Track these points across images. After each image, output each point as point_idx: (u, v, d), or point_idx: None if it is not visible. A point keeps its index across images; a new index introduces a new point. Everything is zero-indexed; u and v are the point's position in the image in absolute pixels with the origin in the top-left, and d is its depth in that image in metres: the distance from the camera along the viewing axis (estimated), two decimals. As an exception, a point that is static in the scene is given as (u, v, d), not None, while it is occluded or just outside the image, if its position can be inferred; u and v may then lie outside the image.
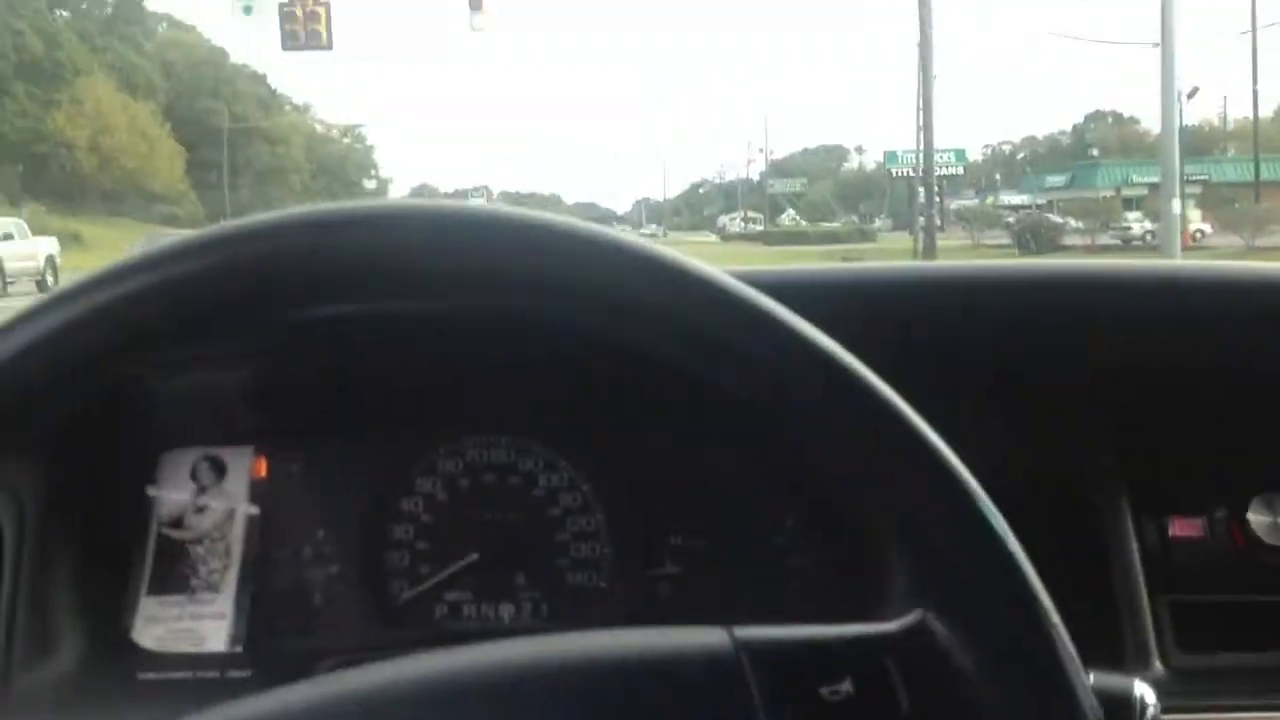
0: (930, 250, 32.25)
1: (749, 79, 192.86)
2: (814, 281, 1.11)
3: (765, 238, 62.94)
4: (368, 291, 0.52)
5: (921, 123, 46.09)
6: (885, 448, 0.50)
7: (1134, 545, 1.03)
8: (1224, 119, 79.43)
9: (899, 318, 1.05)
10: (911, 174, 67.29)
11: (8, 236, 28.63)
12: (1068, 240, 41.44)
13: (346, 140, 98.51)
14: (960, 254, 40.36)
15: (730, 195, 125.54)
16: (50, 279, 29.22)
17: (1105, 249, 39.57)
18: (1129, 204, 51.27)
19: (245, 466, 1.11)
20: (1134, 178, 59.10)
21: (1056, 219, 45.02)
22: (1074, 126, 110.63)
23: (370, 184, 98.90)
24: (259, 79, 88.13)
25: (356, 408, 1.11)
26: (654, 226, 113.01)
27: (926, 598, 0.51)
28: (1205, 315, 1.05)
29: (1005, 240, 44.60)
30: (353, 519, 1.10)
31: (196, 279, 0.49)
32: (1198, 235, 38.70)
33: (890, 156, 67.31)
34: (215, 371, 1.04)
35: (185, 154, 66.53)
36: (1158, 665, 1.01)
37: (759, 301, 0.51)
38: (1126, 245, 40.90)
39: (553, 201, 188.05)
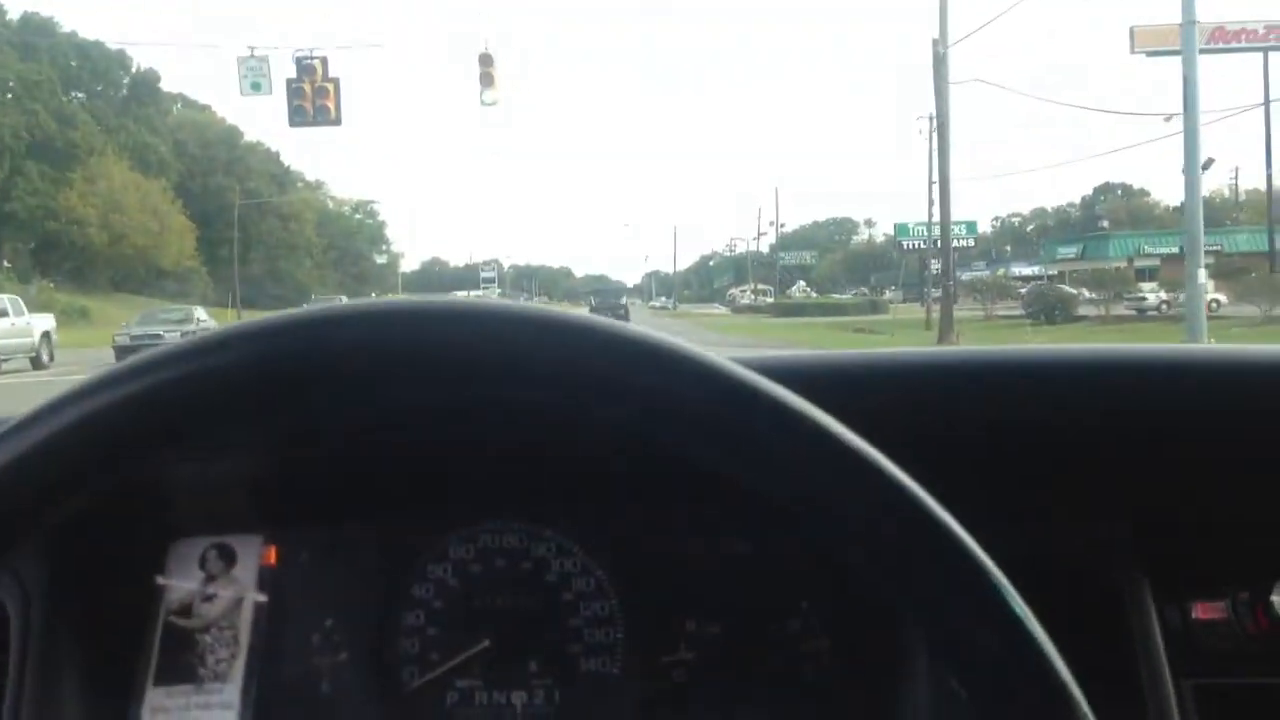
0: (947, 322, 31.43)
1: (760, 152, 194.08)
2: (831, 366, 1.10)
3: (775, 309, 62.51)
4: (388, 387, 0.52)
5: (935, 196, 45.96)
6: (908, 543, 0.50)
7: (1156, 629, 1.02)
8: (1235, 190, 79.25)
9: (915, 403, 1.05)
10: (922, 246, 67.45)
11: (0, 313, 28.00)
12: (1081, 311, 40.79)
13: (358, 215, 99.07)
14: (973, 325, 39.71)
15: (740, 268, 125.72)
16: (45, 357, 28.97)
17: (1121, 320, 38.85)
18: (1141, 274, 50.82)
19: (254, 554, 1.09)
20: (1146, 248, 58.79)
21: (1070, 290, 44.45)
22: (1083, 199, 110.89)
23: (381, 258, 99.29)
24: (272, 156, 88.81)
25: (367, 495, 1.10)
26: (664, 299, 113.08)
27: (946, 675, 0.51)
28: (1226, 400, 1.05)
29: (1018, 311, 44.05)
30: (363, 606, 1.08)
31: (215, 375, 0.50)
32: (1213, 305, 38.06)
33: (901, 229, 67.26)
34: (224, 460, 1.02)
35: (196, 230, 66.72)
36: None
37: (785, 398, 0.51)
38: (1142, 316, 40.21)
39: (563, 274, 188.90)
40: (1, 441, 0.52)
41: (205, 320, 32.96)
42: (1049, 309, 40.07)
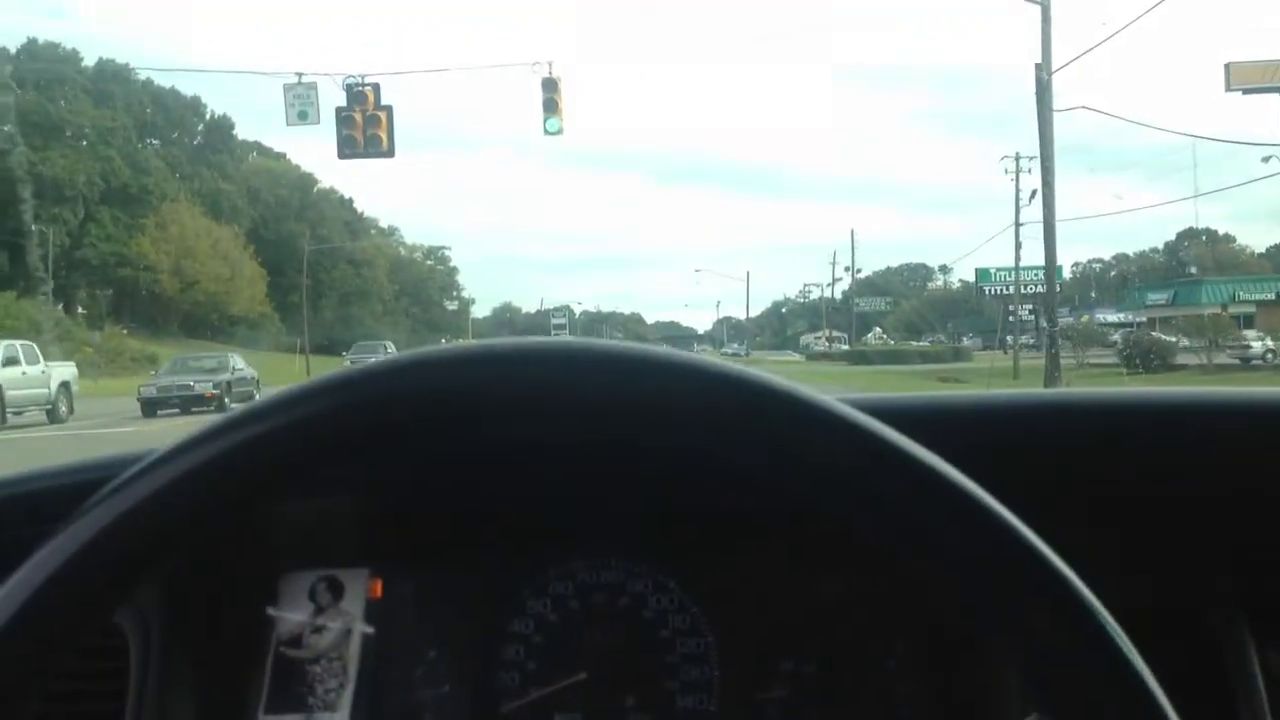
0: (1053, 369, 29.05)
1: (834, 195, 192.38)
2: (939, 407, 1.12)
3: (851, 357, 60.37)
4: (506, 428, 0.52)
5: (1021, 238, 43.78)
6: (1013, 577, 0.50)
7: (1259, 675, 1.00)
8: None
9: (1020, 445, 1.05)
10: (1006, 291, 65.18)
11: (11, 361, 25.37)
12: (1180, 359, 38.22)
13: (429, 262, 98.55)
14: (1066, 373, 37.46)
15: (814, 314, 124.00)
16: (64, 408, 26.81)
17: (1222, 369, 36.27)
18: (1236, 321, 48.18)
19: (361, 587, 1.11)
20: (1241, 295, 55.96)
21: (1168, 337, 41.92)
22: (1166, 244, 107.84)
23: (452, 304, 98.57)
24: (345, 204, 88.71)
25: (469, 529, 1.12)
26: (736, 345, 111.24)
27: (1046, 709, 0.51)
28: None
29: (1110, 358, 41.54)
30: (464, 639, 1.10)
31: (347, 414, 0.51)
32: (1324, 354, 35.46)
33: (983, 274, 64.85)
34: (333, 496, 1.04)
35: (267, 277, 66.27)
36: None
37: (893, 439, 0.51)
38: (1246, 365, 37.58)
39: (634, 321, 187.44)
40: (129, 484, 0.53)
41: (242, 369, 30.67)
42: (1145, 356, 37.55)
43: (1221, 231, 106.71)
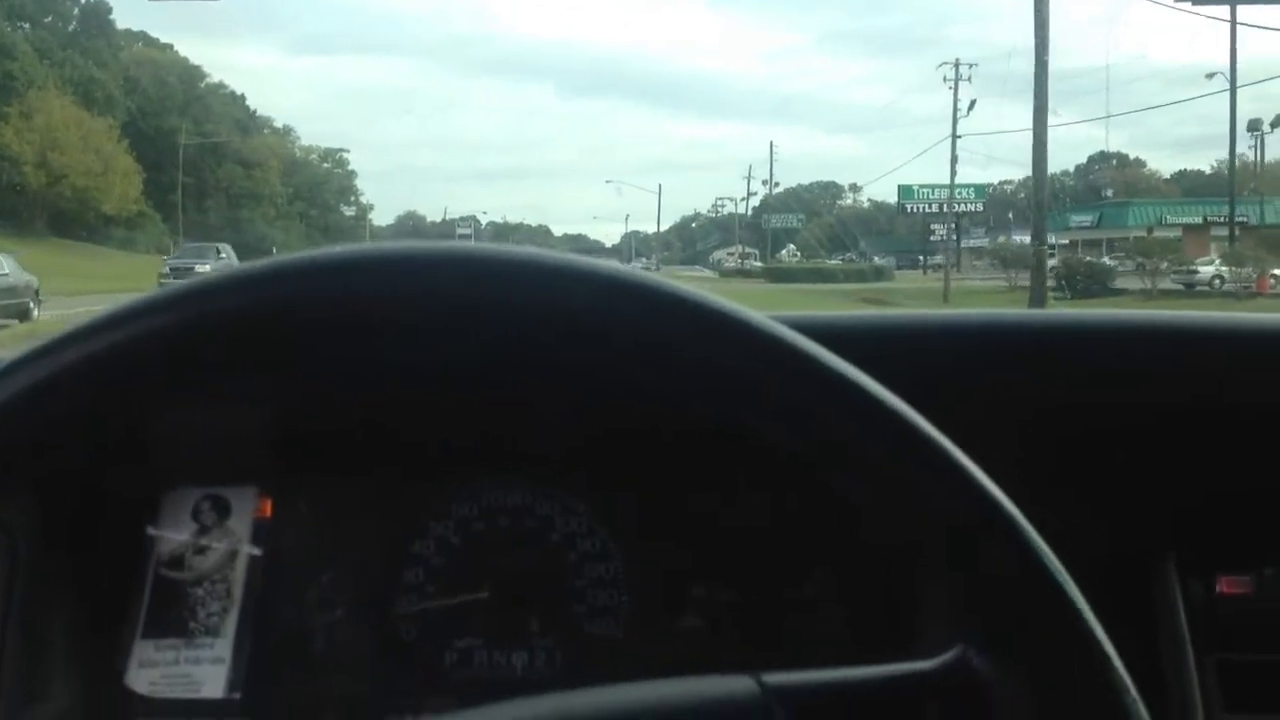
0: (1040, 292, 25.89)
1: (746, 115, 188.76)
2: (868, 327, 1.08)
3: (769, 274, 56.99)
4: (399, 339, 0.49)
5: (956, 153, 40.76)
6: (931, 483, 0.48)
7: (1181, 603, 1.00)
8: (1260, 156, 74.24)
9: (939, 367, 1.00)
10: (928, 209, 62.51)
11: None
12: (1120, 284, 35.65)
13: (326, 165, 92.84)
14: (995, 298, 34.70)
15: (725, 230, 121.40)
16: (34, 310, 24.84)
17: (1166, 295, 33.74)
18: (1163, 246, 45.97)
19: (249, 506, 1.06)
20: (1167, 218, 53.89)
21: (1108, 261, 39.38)
22: (1077, 168, 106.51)
23: (350, 210, 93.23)
24: (236, 100, 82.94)
25: (367, 446, 1.06)
26: (644, 260, 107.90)
27: (971, 633, 0.49)
28: (1256, 369, 1.02)
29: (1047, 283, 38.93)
30: (361, 561, 1.06)
31: (213, 322, 0.47)
32: (1272, 281, 33.05)
33: (905, 191, 61.90)
34: (219, 409, 0.93)
35: (143, 173, 60.93)
36: None
37: (808, 348, 0.49)
38: (1190, 291, 35.06)
39: (541, 233, 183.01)
40: None
41: (8, 273, 25.85)
42: (1082, 281, 34.96)
43: (1132, 156, 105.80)
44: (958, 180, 56.40)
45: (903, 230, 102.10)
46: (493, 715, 0.46)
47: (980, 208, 63.74)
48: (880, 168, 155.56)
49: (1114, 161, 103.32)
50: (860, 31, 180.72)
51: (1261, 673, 0.99)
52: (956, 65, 42.99)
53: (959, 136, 39.42)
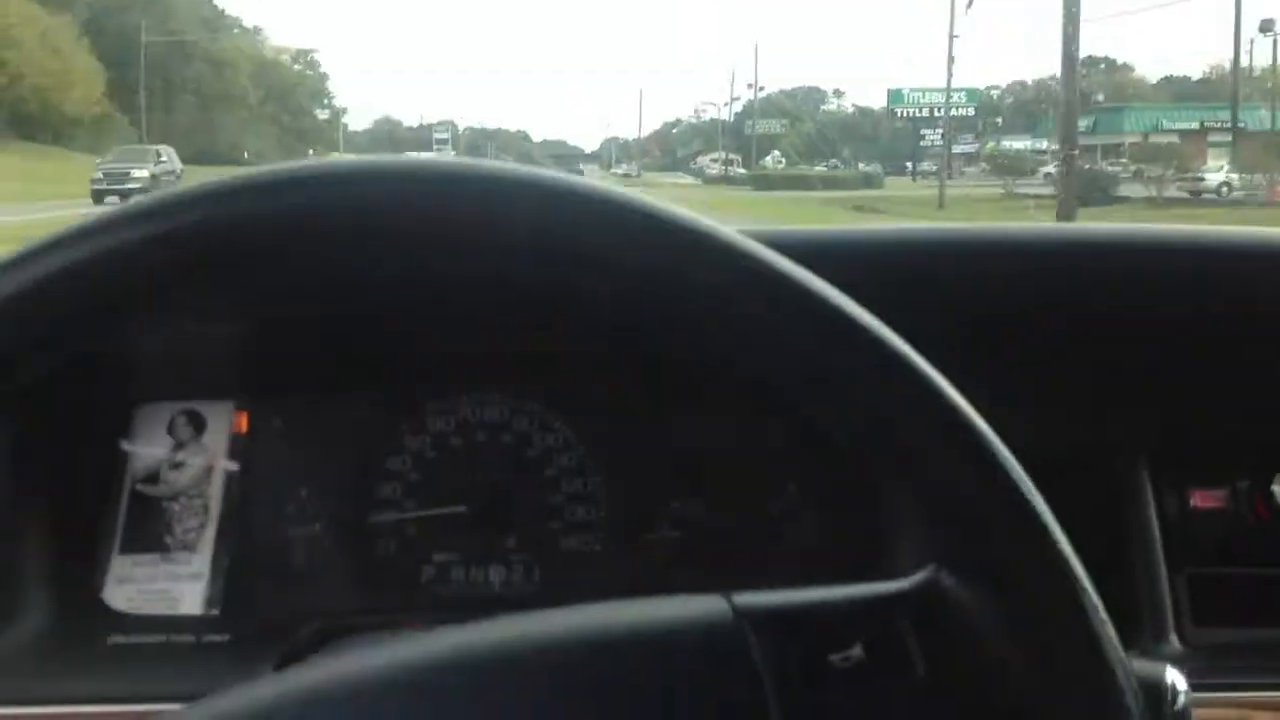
0: (1070, 203, 24.20)
1: (729, 11, 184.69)
2: (836, 242, 1.05)
3: (754, 182, 55.06)
4: (368, 253, 0.48)
5: (953, 53, 38.87)
6: (902, 402, 0.47)
7: (1154, 517, 1.00)
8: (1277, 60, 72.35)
9: (916, 282, 0.99)
10: (918, 114, 60.66)
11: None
12: (1124, 191, 34.11)
13: (298, 66, 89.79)
14: (994, 206, 33.21)
15: (706, 135, 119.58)
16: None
17: (1171, 203, 32.26)
18: (1158, 151, 44.40)
19: (225, 421, 1.05)
20: (1165, 123, 52.22)
21: (1110, 167, 37.80)
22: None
23: (323, 113, 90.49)
24: (204, -2, 79.82)
25: (343, 361, 1.05)
26: (625, 165, 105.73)
27: (941, 553, 0.48)
28: (1231, 282, 1.01)
29: (1043, 189, 37.41)
30: (337, 476, 1.05)
31: (181, 237, 0.46)
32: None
33: (895, 95, 60.04)
34: (194, 324, 0.96)
35: (105, 73, 58.33)
36: (1174, 640, 0.97)
37: (792, 271, 0.47)
38: (1196, 199, 33.54)
39: (520, 138, 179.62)
40: None
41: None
42: (1084, 189, 33.43)
43: (1120, 60, 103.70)
44: (937, 85, 54.73)
45: (887, 136, 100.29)
46: (469, 634, 0.46)
47: (972, 112, 61.79)
48: (866, 70, 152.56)
49: (1102, 65, 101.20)
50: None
51: (1231, 587, 0.99)
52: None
53: (955, 36, 37.40)
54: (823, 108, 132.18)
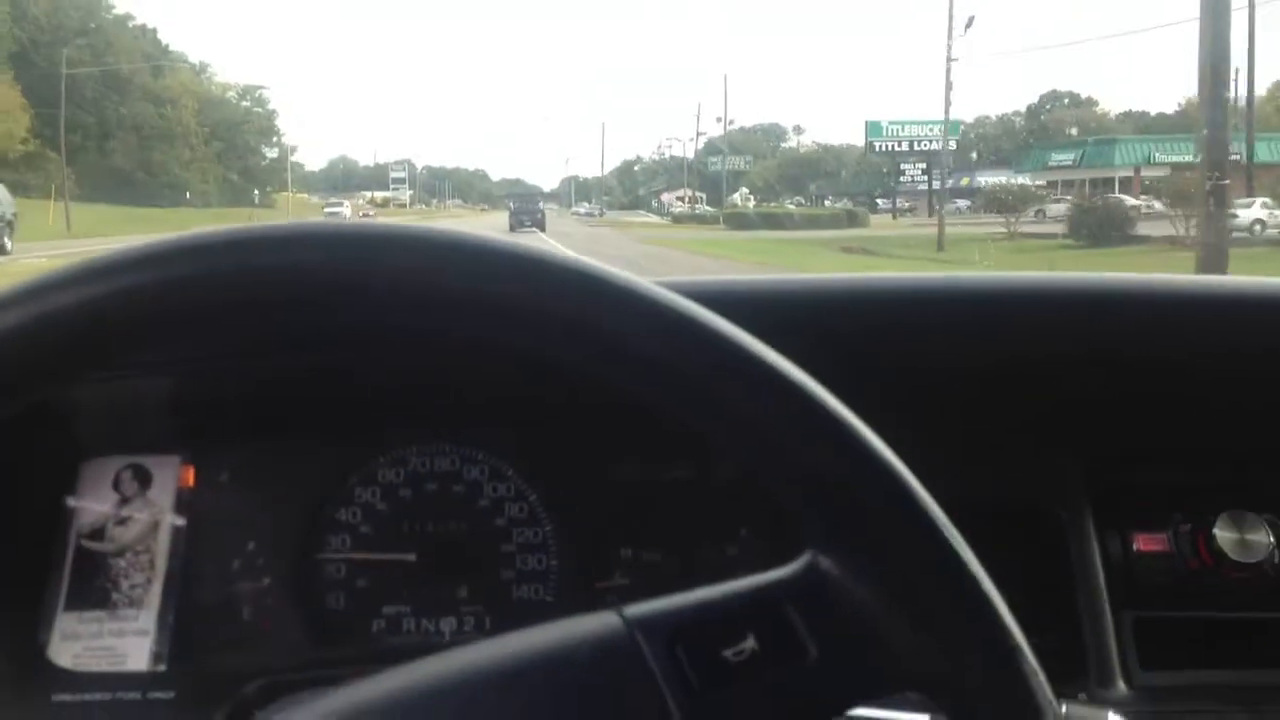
0: (1218, 257, 19.66)
1: (690, 50, 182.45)
2: (778, 291, 1.05)
3: (729, 220, 51.08)
4: (308, 313, 0.48)
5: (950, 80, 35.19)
6: (778, 407, 0.47)
7: (1098, 561, 1.00)
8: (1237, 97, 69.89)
9: (867, 331, 1.01)
10: (897, 148, 57.37)
11: None
12: (1142, 229, 30.53)
13: (246, 103, 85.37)
14: (1005, 248, 29.49)
15: (668, 172, 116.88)
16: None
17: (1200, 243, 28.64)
18: (1145, 187, 41.18)
19: (171, 475, 1.02)
20: (1156, 155, 49.06)
21: (1130, 200, 34.24)
22: (1029, 107, 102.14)
23: (272, 152, 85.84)
24: (147, 33, 75.47)
25: (291, 413, 1.04)
26: (587, 205, 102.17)
27: (817, 536, 0.49)
28: (1176, 332, 1.02)
29: (1044, 228, 33.83)
30: (286, 530, 1.02)
31: (130, 296, 0.46)
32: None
33: (873, 128, 56.51)
34: (140, 378, 0.96)
35: (31, 109, 53.97)
36: (1120, 683, 0.97)
37: (718, 327, 0.48)
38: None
39: (479, 177, 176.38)
40: None
41: None
42: (1098, 226, 29.83)
43: (1084, 95, 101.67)
44: (927, 117, 51.35)
45: (851, 172, 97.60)
46: (386, 680, 0.47)
47: (954, 146, 58.38)
48: (830, 105, 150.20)
49: (1066, 100, 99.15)
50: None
51: (1176, 629, 0.99)
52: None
53: (953, 59, 33.81)
54: (783, 144, 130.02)
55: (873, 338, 0.99)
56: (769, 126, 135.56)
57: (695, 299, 0.47)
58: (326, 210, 62.06)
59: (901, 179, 56.45)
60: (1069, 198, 38.01)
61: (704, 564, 1.01)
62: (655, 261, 24.77)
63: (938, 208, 34.48)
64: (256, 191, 75.87)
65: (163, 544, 1.00)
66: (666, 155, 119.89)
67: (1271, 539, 0.99)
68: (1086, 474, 1.02)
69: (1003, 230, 33.23)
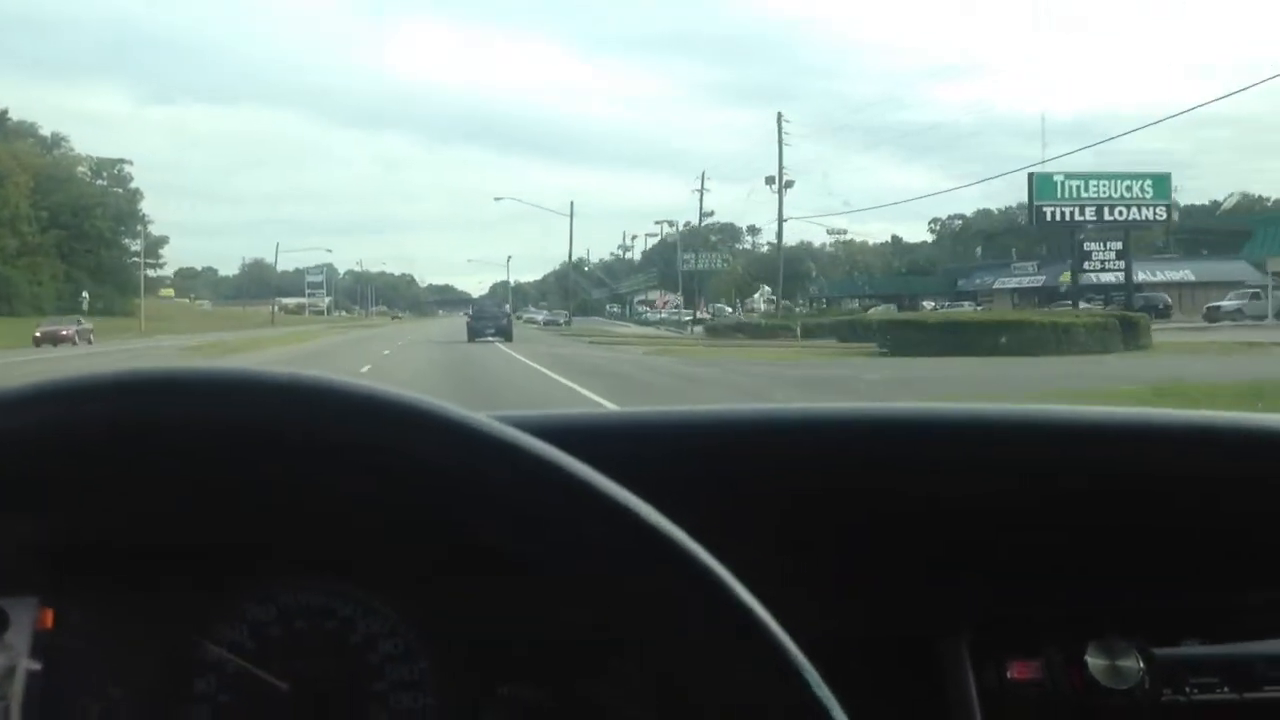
0: None
1: (626, 165, 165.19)
2: (656, 423, 1.04)
3: (833, 333, 30.47)
4: (154, 459, 0.44)
5: None
6: (695, 608, 0.45)
7: (973, 690, 0.98)
8: None
9: (729, 464, 0.99)
10: (1074, 216, 37.53)
11: None
12: None
13: (101, 181, 63.37)
14: None
15: (616, 275, 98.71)
16: None
17: None
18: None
19: (29, 618, 0.95)
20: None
21: None
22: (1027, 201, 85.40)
23: (134, 244, 63.03)
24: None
25: (150, 552, 0.97)
26: (545, 313, 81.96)
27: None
28: (1043, 462, 1.02)
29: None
30: (149, 673, 0.95)
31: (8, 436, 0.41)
32: None
33: (1044, 185, 36.18)
34: None
35: None
36: None
37: (574, 470, 0.45)
38: None
39: (405, 283, 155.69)
40: None
41: None
42: None
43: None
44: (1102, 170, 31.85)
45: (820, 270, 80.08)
46: None
47: (1164, 213, 37.42)
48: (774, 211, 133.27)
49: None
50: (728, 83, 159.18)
51: None
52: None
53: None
54: (737, 245, 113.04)
55: (750, 467, 0.97)
56: (723, 226, 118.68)
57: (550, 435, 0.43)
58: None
59: (1087, 265, 34.80)
60: None
61: (585, 701, 0.95)
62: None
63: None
64: (85, 294, 53.45)
65: (18, 691, 0.92)
66: (625, 256, 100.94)
67: (1141, 665, 0.98)
68: (959, 601, 0.99)
69: None
